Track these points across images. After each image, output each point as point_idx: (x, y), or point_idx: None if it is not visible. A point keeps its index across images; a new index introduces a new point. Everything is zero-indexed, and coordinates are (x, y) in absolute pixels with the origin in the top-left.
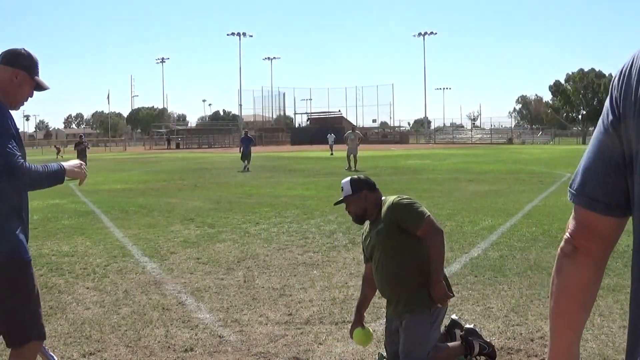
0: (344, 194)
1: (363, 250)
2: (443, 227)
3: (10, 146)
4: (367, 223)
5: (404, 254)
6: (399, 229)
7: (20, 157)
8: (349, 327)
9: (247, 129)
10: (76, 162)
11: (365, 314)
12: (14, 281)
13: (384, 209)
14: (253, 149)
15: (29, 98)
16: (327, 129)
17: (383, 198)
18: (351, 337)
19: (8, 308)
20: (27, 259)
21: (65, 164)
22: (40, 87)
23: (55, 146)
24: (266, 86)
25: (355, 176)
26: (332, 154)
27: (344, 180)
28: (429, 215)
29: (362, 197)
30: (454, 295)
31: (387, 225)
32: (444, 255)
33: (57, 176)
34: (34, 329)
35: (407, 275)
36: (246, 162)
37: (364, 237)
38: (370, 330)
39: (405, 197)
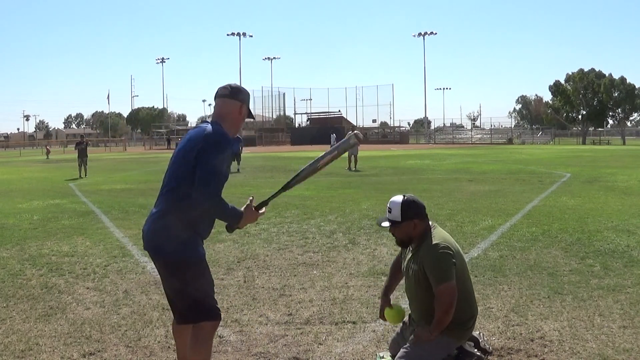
0: (391, 217)
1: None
2: (457, 292)
3: (214, 183)
4: None
5: (430, 291)
6: (425, 274)
7: (215, 193)
8: (350, 328)
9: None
10: (254, 215)
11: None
12: (181, 274)
13: (424, 245)
14: (252, 148)
15: None
16: (327, 129)
17: (432, 226)
18: (383, 319)
19: (180, 295)
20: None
21: (244, 210)
22: (250, 117)
23: (46, 147)
24: (266, 86)
25: (408, 198)
26: None
27: (394, 200)
28: (451, 282)
29: (411, 225)
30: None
31: (419, 266)
32: (443, 323)
33: (235, 216)
34: (202, 312)
35: (429, 308)
36: (235, 162)
37: (403, 252)
38: (401, 306)
39: (443, 245)
